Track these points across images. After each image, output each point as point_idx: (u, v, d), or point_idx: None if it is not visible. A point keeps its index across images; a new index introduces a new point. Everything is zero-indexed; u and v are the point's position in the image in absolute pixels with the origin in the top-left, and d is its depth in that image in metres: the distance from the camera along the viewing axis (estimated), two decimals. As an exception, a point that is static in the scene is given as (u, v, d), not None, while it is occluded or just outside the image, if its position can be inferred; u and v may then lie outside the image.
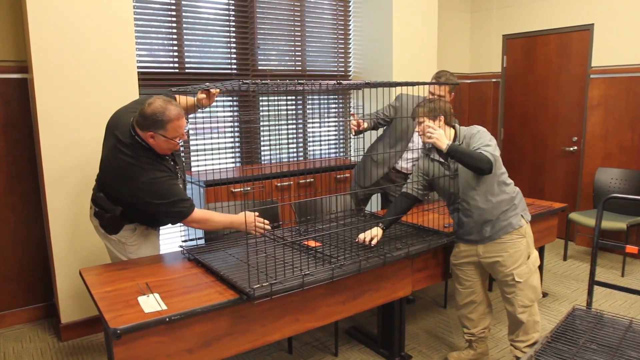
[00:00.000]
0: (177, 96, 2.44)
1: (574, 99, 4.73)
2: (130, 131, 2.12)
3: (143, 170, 2.08)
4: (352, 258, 2.14)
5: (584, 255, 4.47)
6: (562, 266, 4.20)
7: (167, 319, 1.65)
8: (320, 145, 4.37)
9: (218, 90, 2.37)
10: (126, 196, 2.16)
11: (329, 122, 4.44)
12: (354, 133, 2.95)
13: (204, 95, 2.35)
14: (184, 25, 3.53)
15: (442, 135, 2.23)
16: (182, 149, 3.50)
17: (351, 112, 3.05)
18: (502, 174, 2.34)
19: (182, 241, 2.40)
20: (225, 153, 3.80)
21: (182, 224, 2.22)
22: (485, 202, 2.31)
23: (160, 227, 2.49)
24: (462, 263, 2.51)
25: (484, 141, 2.26)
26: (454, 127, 2.42)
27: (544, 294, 3.56)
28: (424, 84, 2.42)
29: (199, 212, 2.18)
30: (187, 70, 3.59)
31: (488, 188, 2.30)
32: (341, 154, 4.55)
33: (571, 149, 4.79)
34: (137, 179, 2.08)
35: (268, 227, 2.26)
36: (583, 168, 4.67)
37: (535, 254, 2.40)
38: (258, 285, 1.79)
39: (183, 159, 3.53)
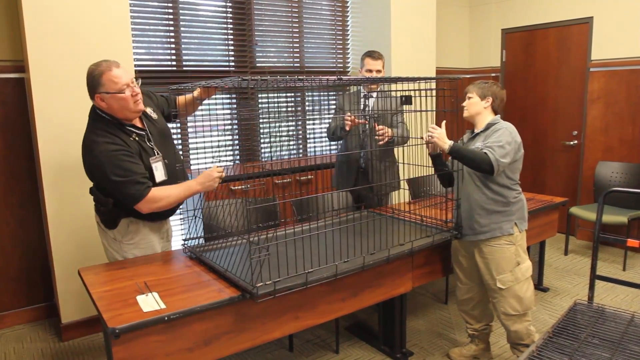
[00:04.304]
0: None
1: (573, 92, 4.72)
2: (93, 107, 2.12)
3: (95, 143, 2.03)
4: (355, 254, 2.13)
5: (585, 250, 4.46)
6: (564, 261, 4.19)
7: (166, 318, 1.64)
8: (320, 141, 4.35)
9: (217, 87, 2.35)
10: (90, 177, 2.12)
11: (328, 118, 4.42)
12: (347, 129, 2.88)
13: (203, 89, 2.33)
14: (181, 23, 3.51)
15: (443, 135, 2.23)
16: (178, 132, 3.52)
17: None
18: (508, 178, 2.28)
19: (184, 240, 2.38)
20: (225, 151, 3.79)
21: (141, 209, 2.11)
22: (481, 194, 2.30)
23: (158, 225, 2.45)
24: (458, 258, 2.51)
25: (499, 141, 2.19)
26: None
27: (545, 289, 3.55)
28: (422, 79, 2.40)
29: (155, 192, 2.08)
30: (184, 68, 3.57)
31: (488, 183, 2.28)
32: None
33: (571, 142, 4.77)
34: (91, 152, 2.04)
35: (222, 174, 2.17)
36: (583, 162, 4.66)
37: (526, 264, 2.34)
38: (261, 284, 1.77)
39: (180, 150, 3.51)
